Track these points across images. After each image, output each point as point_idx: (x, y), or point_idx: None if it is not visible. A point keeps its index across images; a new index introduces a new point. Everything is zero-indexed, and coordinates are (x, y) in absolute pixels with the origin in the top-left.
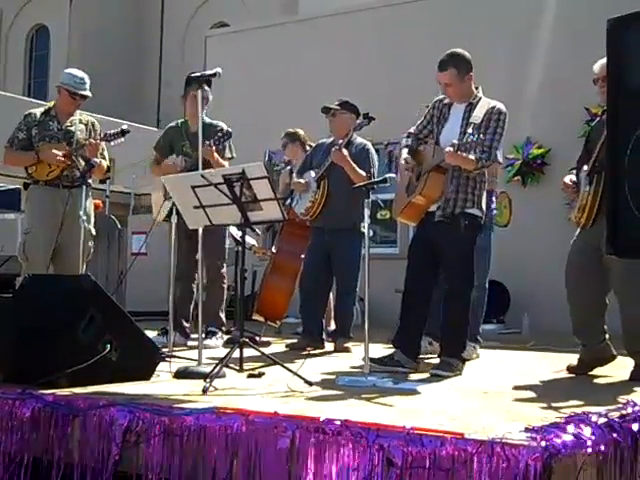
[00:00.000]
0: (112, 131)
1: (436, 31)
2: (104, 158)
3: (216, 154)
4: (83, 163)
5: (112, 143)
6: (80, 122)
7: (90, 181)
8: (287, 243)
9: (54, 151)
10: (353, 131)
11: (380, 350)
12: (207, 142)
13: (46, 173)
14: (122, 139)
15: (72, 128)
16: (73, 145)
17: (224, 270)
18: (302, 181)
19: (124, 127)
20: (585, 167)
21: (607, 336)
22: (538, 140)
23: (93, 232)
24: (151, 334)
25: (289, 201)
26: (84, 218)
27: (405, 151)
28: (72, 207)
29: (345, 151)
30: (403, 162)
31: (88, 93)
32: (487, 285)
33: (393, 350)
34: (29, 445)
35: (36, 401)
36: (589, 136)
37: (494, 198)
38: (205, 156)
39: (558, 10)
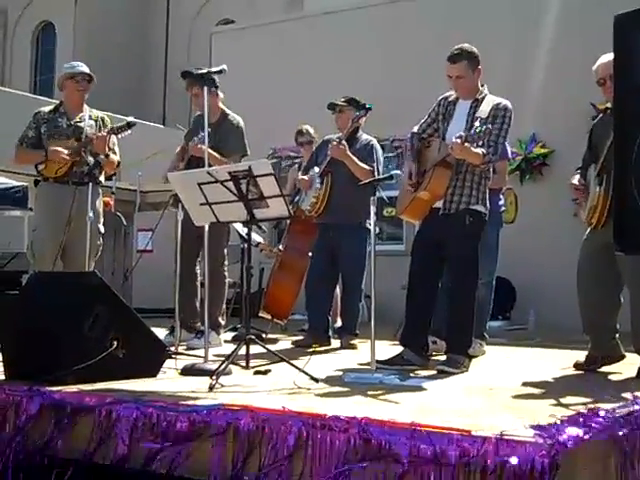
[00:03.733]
0: (118, 124)
1: (441, 28)
2: (115, 153)
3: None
4: (92, 160)
5: (119, 136)
6: (90, 118)
7: (102, 179)
8: (294, 241)
9: (58, 149)
10: (352, 123)
11: (386, 347)
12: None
13: (55, 170)
14: (129, 131)
15: (81, 124)
16: (82, 141)
17: (225, 270)
18: (305, 177)
19: (130, 119)
20: (593, 166)
21: (617, 335)
22: (543, 138)
23: (102, 230)
24: (157, 331)
25: (296, 198)
26: (91, 215)
27: (408, 166)
28: (79, 204)
29: (345, 144)
30: (406, 179)
31: (85, 69)
32: (494, 282)
33: (401, 349)
34: (36, 442)
35: (43, 398)
36: (592, 134)
37: (502, 195)
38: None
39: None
